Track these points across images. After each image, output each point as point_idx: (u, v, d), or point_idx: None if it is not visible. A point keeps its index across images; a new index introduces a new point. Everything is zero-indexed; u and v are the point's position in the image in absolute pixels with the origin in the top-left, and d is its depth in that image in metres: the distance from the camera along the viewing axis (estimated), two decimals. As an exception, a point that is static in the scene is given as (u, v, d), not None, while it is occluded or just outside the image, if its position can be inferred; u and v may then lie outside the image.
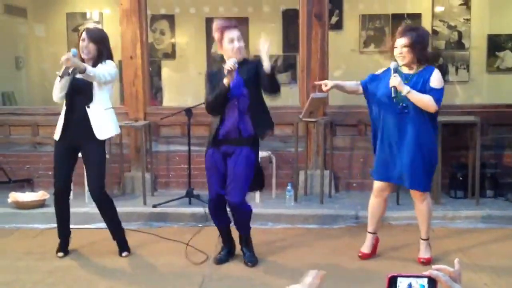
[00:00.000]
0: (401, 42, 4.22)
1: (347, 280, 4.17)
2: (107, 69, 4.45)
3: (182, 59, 8.98)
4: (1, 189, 6.30)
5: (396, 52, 4.26)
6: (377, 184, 4.52)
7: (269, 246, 4.71)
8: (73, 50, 4.32)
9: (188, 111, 5.99)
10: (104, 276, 4.30)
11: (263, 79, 4.17)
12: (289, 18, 8.55)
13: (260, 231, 4.78)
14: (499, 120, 6.43)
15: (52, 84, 4.53)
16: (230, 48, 4.25)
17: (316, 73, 6.45)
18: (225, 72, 4.11)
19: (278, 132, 6.60)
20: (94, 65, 4.43)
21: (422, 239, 4.50)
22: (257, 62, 4.25)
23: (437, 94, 4.17)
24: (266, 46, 4.14)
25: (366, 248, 4.62)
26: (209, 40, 8.67)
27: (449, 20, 8.53)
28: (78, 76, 4.34)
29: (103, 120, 4.51)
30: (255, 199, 6.00)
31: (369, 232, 4.64)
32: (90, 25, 8.35)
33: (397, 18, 8.52)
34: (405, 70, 4.30)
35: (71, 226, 4.83)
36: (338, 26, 8.53)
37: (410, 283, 1.45)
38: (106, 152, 4.78)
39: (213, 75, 4.36)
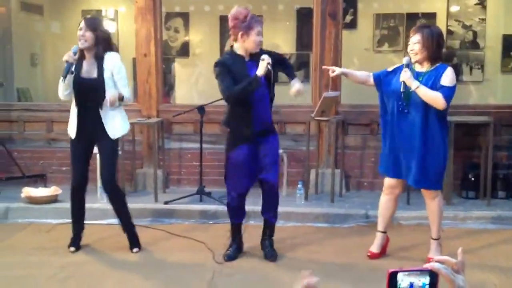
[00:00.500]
0: (413, 39, 4.22)
1: (356, 279, 4.18)
2: (123, 78, 4.56)
3: (195, 57, 9.03)
4: (15, 184, 6.38)
5: (408, 48, 4.27)
6: (387, 182, 4.52)
7: (279, 243, 4.72)
8: (75, 47, 4.39)
9: (201, 109, 6.02)
10: (115, 271, 4.35)
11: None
12: (303, 16, 8.56)
13: (270, 229, 4.80)
14: (512, 120, 6.40)
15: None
16: (257, 41, 4.30)
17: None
18: (265, 66, 4.19)
19: (289, 130, 6.63)
20: (96, 55, 4.46)
21: (433, 239, 4.49)
22: (271, 51, 4.48)
23: (447, 92, 4.13)
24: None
25: (375, 248, 4.62)
26: (223, 38, 8.71)
27: (464, 19, 8.47)
28: (84, 76, 4.45)
29: (115, 119, 4.58)
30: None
31: (379, 231, 4.64)
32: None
33: (412, 17, 8.49)
34: (418, 68, 4.29)
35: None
36: (352, 25, 8.52)
37: (412, 282, 1.42)
38: (119, 148, 4.88)
39: (228, 65, 4.32)
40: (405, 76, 4.12)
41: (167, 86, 8.60)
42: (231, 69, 4.29)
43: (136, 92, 6.78)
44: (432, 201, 4.40)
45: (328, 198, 6.05)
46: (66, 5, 9.09)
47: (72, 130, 4.59)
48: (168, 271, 4.36)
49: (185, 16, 8.91)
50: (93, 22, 4.54)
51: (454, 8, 8.47)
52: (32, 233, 5.36)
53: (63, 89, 4.48)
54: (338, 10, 6.46)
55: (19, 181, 6.42)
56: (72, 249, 4.74)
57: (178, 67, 9.12)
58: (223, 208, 5.11)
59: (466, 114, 6.21)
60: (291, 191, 6.22)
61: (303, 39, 8.66)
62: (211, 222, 5.55)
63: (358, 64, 8.57)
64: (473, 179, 6.16)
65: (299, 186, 6.02)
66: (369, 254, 4.60)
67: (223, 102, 4.60)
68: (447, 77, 4.18)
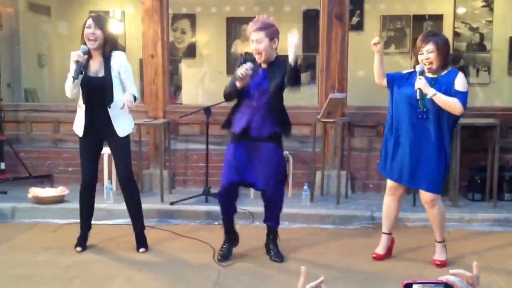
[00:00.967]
0: (427, 48, 4.19)
1: (361, 281, 4.18)
2: (130, 77, 4.60)
3: (202, 58, 9.05)
4: (22, 184, 6.41)
5: (422, 57, 4.21)
6: (390, 183, 4.52)
7: (284, 245, 4.73)
8: (84, 47, 4.39)
9: (207, 110, 6.03)
10: (121, 271, 4.36)
11: (288, 71, 4.26)
12: (310, 18, 8.57)
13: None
14: (519, 123, 6.38)
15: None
16: (252, 48, 4.35)
17: (335, 74, 6.46)
18: (237, 76, 4.17)
19: (295, 132, 6.58)
20: (104, 54, 4.48)
21: (437, 242, 4.48)
22: (284, 63, 4.36)
23: (463, 97, 4.14)
24: (295, 40, 4.22)
25: (380, 249, 4.62)
26: (230, 39, 8.73)
27: (471, 21, 8.47)
28: (91, 75, 4.48)
29: (123, 118, 4.61)
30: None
31: (384, 233, 4.64)
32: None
33: (418, 19, 8.50)
34: (429, 74, 4.27)
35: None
36: (358, 26, 8.53)
37: None
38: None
39: (246, 62, 4.34)
40: (421, 83, 4.09)
41: (174, 87, 8.63)
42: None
43: (143, 93, 6.80)
44: (432, 208, 4.38)
45: (334, 199, 6.05)
46: (73, 6, 9.13)
47: (79, 128, 4.61)
48: (173, 271, 4.37)
49: (191, 18, 8.94)
50: (102, 20, 4.55)
51: (461, 10, 8.47)
52: (38, 233, 5.39)
53: (72, 88, 4.47)
54: (345, 11, 6.46)
55: (26, 181, 6.45)
56: (79, 249, 4.76)
57: (185, 68, 9.14)
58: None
59: (472, 116, 6.19)
60: (296, 193, 6.23)
61: (310, 41, 8.66)
62: (216, 223, 5.55)
63: (365, 66, 8.56)
64: (479, 181, 6.16)
65: (305, 187, 6.02)
66: (374, 255, 4.60)
67: (229, 104, 4.64)
68: (461, 83, 4.18)
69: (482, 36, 8.45)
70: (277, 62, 4.42)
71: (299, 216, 5.69)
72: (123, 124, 4.61)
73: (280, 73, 4.34)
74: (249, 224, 5.52)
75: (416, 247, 4.91)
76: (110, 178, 6.16)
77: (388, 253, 4.65)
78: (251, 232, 5.02)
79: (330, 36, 6.46)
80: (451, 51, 4.43)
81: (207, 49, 9.04)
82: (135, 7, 8.44)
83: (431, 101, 4.14)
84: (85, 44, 4.45)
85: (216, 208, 5.65)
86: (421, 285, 1.42)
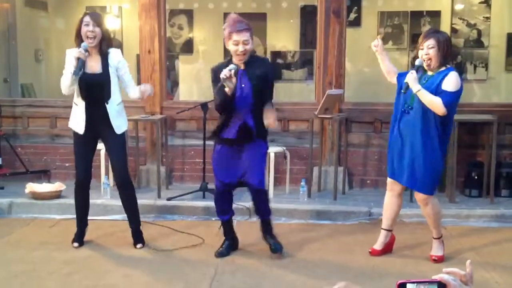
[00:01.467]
0: (428, 43, 4.16)
1: (358, 276, 4.17)
2: (128, 73, 4.66)
3: (199, 54, 9.03)
4: (19, 179, 6.40)
5: (422, 53, 4.20)
6: (388, 179, 4.54)
7: (282, 241, 4.71)
8: (84, 44, 4.37)
9: (204, 106, 6.03)
10: (118, 267, 4.35)
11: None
12: (307, 14, 8.56)
13: (274, 226, 4.78)
14: (516, 119, 6.39)
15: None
16: (233, 50, 4.28)
17: (332, 70, 6.45)
18: (222, 80, 4.09)
19: (293, 128, 6.63)
20: (101, 50, 4.48)
21: (434, 238, 4.49)
22: (268, 64, 4.45)
23: (447, 97, 4.07)
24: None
25: (377, 245, 4.61)
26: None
27: (468, 18, 8.46)
28: (89, 71, 4.46)
29: (119, 115, 4.62)
30: (269, 194, 6.03)
31: (382, 229, 4.63)
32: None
33: (416, 15, 8.49)
34: (429, 72, 4.25)
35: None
36: (356, 22, 8.52)
37: None
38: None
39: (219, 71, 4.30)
40: (410, 78, 4.11)
41: (171, 83, 8.61)
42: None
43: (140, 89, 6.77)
44: (425, 207, 4.38)
45: (331, 195, 6.05)
46: (70, 1, 9.11)
47: (78, 125, 4.58)
48: (171, 267, 4.37)
49: (189, 13, 8.91)
50: (99, 17, 4.56)
51: (458, 6, 8.46)
52: (35, 229, 5.38)
53: (69, 85, 4.47)
54: (342, 7, 6.45)
55: (23, 177, 6.45)
56: (76, 244, 4.76)
57: (182, 64, 9.13)
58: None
59: (470, 113, 6.20)
60: (294, 188, 6.23)
61: (307, 37, 8.67)
62: (213, 219, 5.55)
63: (362, 62, 8.58)
64: (476, 177, 6.17)
65: (302, 183, 6.03)
66: (369, 250, 4.59)
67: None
68: (449, 82, 4.11)
69: (479, 33, 8.45)
70: (253, 59, 4.39)
71: (296, 212, 5.69)
72: (119, 121, 4.61)
73: (263, 75, 4.31)
74: (246, 220, 5.52)
75: (413, 243, 4.91)
76: (107, 174, 6.15)
77: (387, 250, 4.63)
78: (248, 227, 5.02)
79: (327, 32, 6.45)
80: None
81: (205, 45, 9.02)
82: (132, 2, 8.41)
83: (417, 98, 4.14)
84: (81, 41, 4.43)
85: (213, 204, 5.64)
86: (415, 284, 1.43)
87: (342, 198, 6.13)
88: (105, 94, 4.51)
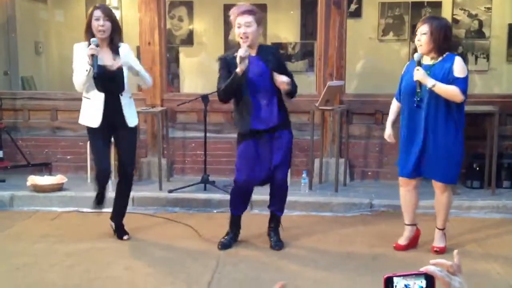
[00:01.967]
0: (421, 29, 4.16)
1: (359, 268, 4.18)
2: (138, 63, 4.70)
3: (199, 45, 9.00)
4: (20, 172, 6.41)
5: (415, 39, 4.22)
6: (402, 179, 4.47)
7: (283, 232, 4.73)
8: (94, 39, 4.32)
9: (205, 98, 6.02)
10: (120, 259, 4.36)
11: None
12: (308, 5, 8.53)
13: (275, 217, 4.82)
14: (517, 110, 6.37)
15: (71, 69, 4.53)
16: (237, 34, 4.29)
17: (333, 61, 6.44)
18: (237, 60, 4.12)
19: (294, 119, 6.55)
20: (112, 44, 4.47)
21: (438, 229, 4.48)
22: (275, 49, 4.38)
23: (462, 84, 4.07)
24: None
25: (402, 240, 4.55)
26: (227, 26, 8.68)
27: (469, 8, 8.43)
28: (103, 64, 4.38)
29: (131, 107, 4.64)
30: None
31: (406, 224, 4.58)
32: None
33: (417, 6, 8.46)
34: (426, 61, 4.22)
35: (88, 210, 4.91)
36: (357, 14, 8.49)
37: (408, 285, 1.42)
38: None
39: (231, 62, 4.30)
40: (419, 75, 4.05)
41: (171, 74, 8.59)
42: (231, 66, 4.28)
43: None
44: (442, 194, 4.37)
45: (332, 187, 6.06)
46: (69, -7, 9.08)
47: (94, 119, 4.50)
48: (172, 259, 4.38)
49: (189, 5, 8.89)
50: (109, 11, 4.52)
51: (459, -3, 8.43)
52: (37, 221, 5.39)
53: (85, 81, 4.36)
54: (343, -2, 6.43)
55: (24, 170, 6.45)
56: (126, 237, 4.79)
57: (182, 56, 9.11)
58: (227, 197, 5.11)
59: (471, 104, 6.14)
60: (295, 180, 6.23)
61: (308, 28, 8.65)
62: (215, 211, 5.56)
63: (363, 53, 8.56)
64: (477, 168, 6.16)
65: (304, 175, 6.03)
66: (394, 245, 4.54)
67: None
68: (459, 68, 4.10)
69: (481, 23, 8.42)
70: (264, 48, 4.41)
71: (297, 203, 5.69)
72: (131, 113, 4.63)
73: (274, 59, 4.35)
74: (248, 212, 5.52)
75: (414, 234, 4.91)
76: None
77: (412, 244, 4.56)
78: (250, 220, 5.02)
79: (328, 23, 6.43)
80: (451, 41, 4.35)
81: (205, 37, 9.00)
82: (132, -6, 8.38)
83: (427, 91, 4.11)
84: (92, 35, 4.39)
85: (214, 196, 5.69)
86: (401, 277, 1.42)
87: (343, 189, 6.13)
88: (119, 86, 4.50)
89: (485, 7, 8.36)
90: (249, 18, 4.25)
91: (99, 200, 4.78)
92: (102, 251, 4.54)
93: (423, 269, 1.44)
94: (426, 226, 4.80)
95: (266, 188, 4.62)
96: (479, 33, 8.46)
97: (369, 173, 6.58)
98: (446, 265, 1.46)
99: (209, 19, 8.94)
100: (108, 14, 4.43)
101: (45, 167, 6.66)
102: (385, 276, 1.43)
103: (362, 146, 6.58)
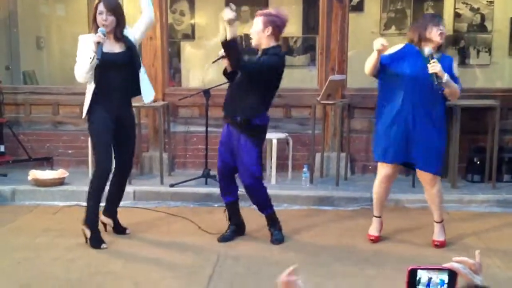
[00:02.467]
0: (442, 26, 4.24)
1: (361, 262, 4.19)
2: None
3: (201, 40, 9.00)
4: (22, 167, 6.42)
5: (439, 31, 4.19)
6: (385, 171, 4.46)
7: (284, 227, 4.73)
8: (102, 29, 4.27)
9: (206, 92, 6.02)
10: (121, 254, 4.37)
11: None
12: (310, -1, 8.51)
13: (276, 212, 4.81)
14: (519, 104, 6.36)
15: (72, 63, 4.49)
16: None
17: (335, 55, 6.43)
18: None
19: (295, 114, 6.62)
20: (116, 37, 4.43)
21: (436, 222, 4.49)
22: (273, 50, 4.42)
23: (459, 83, 4.26)
24: (229, 16, 4.06)
25: (375, 231, 4.61)
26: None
27: (472, 2, 8.41)
28: (107, 51, 4.32)
29: (147, 82, 4.63)
30: (271, 181, 6.05)
31: (376, 217, 4.64)
32: None
33: (419, 0, 8.43)
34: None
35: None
36: (359, 7, 8.47)
37: (431, 277, 1.45)
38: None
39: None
40: (437, 68, 4.03)
41: (173, 69, 8.59)
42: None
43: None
44: (432, 188, 4.39)
45: (333, 181, 6.06)
46: (71, -12, 9.08)
47: (99, 111, 4.43)
48: (173, 253, 4.39)
49: (190, -1, 8.88)
50: (113, 5, 4.42)
51: (462, -9, 8.40)
52: (39, 215, 5.40)
53: (88, 70, 4.29)
54: (345, -8, 6.42)
55: (25, 164, 6.47)
56: (105, 245, 4.53)
57: (184, 50, 9.10)
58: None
59: (472, 98, 6.18)
60: (296, 174, 6.24)
61: (310, 22, 8.62)
62: (216, 205, 5.57)
63: (365, 47, 8.52)
64: (478, 162, 6.16)
65: (305, 169, 6.03)
66: (372, 238, 4.58)
67: (228, 86, 4.65)
68: (457, 69, 4.31)
69: (483, 17, 8.40)
70: (270, 52, 4.40)
71: (299, 198, 5.70)
72: (148, 87, 4.60)
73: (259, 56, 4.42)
74: (248, 206, 5.53)
75: (415, 228, 4.92)
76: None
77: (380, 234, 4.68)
78: (251, 214, 5.02)
79: (330, 17, 6.42)
80: (450, 33, 4.43)
81: (206, 31, 8.98)
82: (134, -12, 8.37)
83: (426, 82, 4.15)
84: (97, 27, 4.33)
85: (215, 190, 5.66)
86: (425, 270, 1.45)
87: (344, 184, 6.13)
88: (129, 74, 4.45)
89: (487, 1, 8.34)
90: (256, 19, 4.41)
91: (98, 239, 4.51)
92: (103, 245, 4.55)
93: (447, 265, 1.47)
94: (425, 220, 4.81)
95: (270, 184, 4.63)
96: (481, 27, 8.44)
97: (370, 167, 6.57)
98: (468, 263, 1.50)
99: (211, 14, 8.92)
100: (111, 9, 4.36)
101: (46, 162, 6.67)
102: (409, 268, 1.46)
103: (364, 140, 6.58)
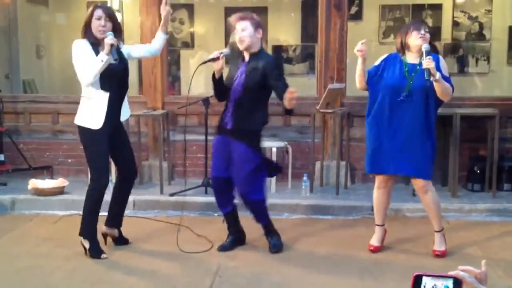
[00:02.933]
0: (424, 27, 4.27)
1: (361, 271, 4.18)
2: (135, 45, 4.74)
3: (200, 48, 9.01)
4: (22, 176, 6.42)
5: (420, 34, 4.20)
6: (381, 177, 4.48)
7: (284, 236, 4.73)
8: (110, 33, 4.21)
9: (206, 101, 6.03)
10: (120, 263, 4.36)
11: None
12: (308, 7, 8.53)
13: (276, 221, 4.80)
14: (518, 113, 6.37)
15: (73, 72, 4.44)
16: (236, 38, 4.41)
17: (334, 64, 6.45)
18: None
19: (295, 122, 6.63)
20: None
21: (436, 231, 4.49)
22: (272, 58, 4.46)
23: (450, 82, 4.21)
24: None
25: (376, 241, 4.61)
26: (228, 29, 8.68)
27: (470, 11, 8.44)
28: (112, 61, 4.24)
29: (126, 103, 4.59)
30: (271, 189, 6.05)
31: (378, 225, 4.64)
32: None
33: (418, 8, 8.48)
34: (411, 59, 4.27)
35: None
36: (357, 16, 8.51)
37: (435, 284, 1.45)
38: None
39: (228, 59, 4.44)
40: (431, 64, 4.03)
41: (172, 77, 8.61)
42: (229, 63, 4.41)
43: (142, 84, 6.79)
44: (425, 195, 4.37)
45: (333, 190, 6.06)
46: (71, -3, 9.10)
47: (97, 120, 4.31)
48: (173, 263, 4.38)
49: (190, 8, 8.90)
50: (111, 11, 4.42)
51: (460, -1, 8.44)
52: (38, 225, 5.40)
53: (97, 72, 4.19)
54: (344, 1, 6.44)
55: (25, 173, 6.46)
56: (105, 255, 4.48)
57: (183, 58, 9.12)
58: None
59: (471, 106, 6.19)
60: (296, 183, 6.23)
61: (308, 31, 8.65)
62: (216, 215, 5.56)
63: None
64: (478, 171, 6.16)
65: (304, 178, 6.03)
66: (371, 248, 4.58)
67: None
68: (445, 67, 4.27)
69: (481, 26, 8.43)
70: (261, 55, 4.42)
71: (298, 206, 5.70)
72: (125, 108, 4.58)
73: (261, 70, 4.34)
74: (248, 215, 5.52)
75: (415, 237, 4.92)
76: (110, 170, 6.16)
77: (382, 244, 4.65)
78: (250, 223, 5.02)
79: (328, 26, 6.44)
80: (449, 41, 4.41)
81: (206, 40, 9.01)
82: (133, -3, 8.41)
83: (418, 84, 4.15)
84: (90, 33, 4.28)
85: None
86: (430, 277, 1.45)
87: (344, 193, 6.13)
88: (125, 83, 4.47)
89: (485, 10, 8.37)
90: (243, 24, 4.35)
91: (97, 250, 4.48)
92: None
93: (453, 273, 1.47)
94: (426, 229, 4.80)
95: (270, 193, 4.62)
96: (480, 36, 8.47)
97: (370, 176, 6.55)
98: (474, 272, 1.50)
99: (210, 22, 8.96)
100: (110, 15, 4.33)
101: (46, 171, 6.66)
102: (414, 274, 1.46)
103: (363, 149, 6.52)
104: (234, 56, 4.44)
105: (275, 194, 5.99)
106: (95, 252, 4.43)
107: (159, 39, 4.76)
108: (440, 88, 4.12)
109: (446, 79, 4.18)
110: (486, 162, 6.05)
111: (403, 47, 4.30)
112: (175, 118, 6.70)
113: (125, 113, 4.59)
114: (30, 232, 5.18)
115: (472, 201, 5.75)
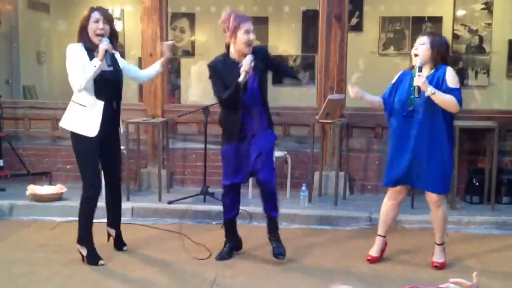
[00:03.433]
0: (420, 40, 4.21)
1: (359, 282, 4.16)
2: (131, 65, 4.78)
3: (201, 57, 9.02)
4: (20, 181, 6.41)
5: (413, 49, 4.23)
6: (394, 189, 4.48)
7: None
8: (106, 39, 4.21)
9: (206, 109, 6.04)
10: (117, 270, 4.34)
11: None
12: (309, 18, 8.56)
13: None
14: (517, 126, 6.39)
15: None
16: (245, 40, 4.29)
17: (334, 75, 6.47)
18: (245, 70, 4.15)
19: (294, 132, 6.64)
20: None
21: (437, 244, 4.48)
22: (264, 51, 4.51)
23: (458, 94, 4.11)
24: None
25: (375, 252, 4.60)
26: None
27: (470, 24, 8.46)
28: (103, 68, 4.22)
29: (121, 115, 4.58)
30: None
31: (380, 235, 4.63)
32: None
33: (418, 21, 8.48)
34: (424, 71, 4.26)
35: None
36: (358, 27, 8.51)
37: None
38: (124, 147, 4.86)
39: (219, 69, 4.36)
40: (421, 81, 4.03)
41: (172, 85, 8.61)
42: (222, 74, 4.33)
43: (141, 92, 6.80)
44: (437, 209, 4.36)
45: (332, 200, 6.06)
46: (72, 4, 9.09)
47: (91, 128, 4.28)
48: (171, 271, 4.36)
49: (191, 17, 8.92)
50: (109, 14, 4.40)
51: (460, 12, 8.46)
52: (36, 231, 5.38)
53: (90, 78, 4.16)
54: (344, 12, 6.47)
55: (24, 179, 6.46)
56: (102, 262, 4.47)
57: (184, 67, 9.13)
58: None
59: (471, 119, 6.20)
60: (295, 193, 6.23)
61: (309, 41, 8.67)
62: (214, 223, 5.56)
63: (364, 67, 8.58)
64: (477, 184, 6.16)
65: (303, 188, 6.03)
66: (369, 258, 4.57)
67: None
68: (453, 79, 4.15)
69: (481, 39, 8.45)
70: (256, 51, 4.39)
71: (297, 216, 5.69)
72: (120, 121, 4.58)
73: (263, 62, 4.38)
74: (247, 224, 5.52)
75: (414, 249, 4.91)
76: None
77: (382, 256, 4.63)
78: (250, 232, 5.02)
79: (329, 37, 6.46)
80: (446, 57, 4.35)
81: (206, 48, 9.02)
82: (134, 5, 8.43)
83: (424, 99, 4.12)
84: (87, 37, 4.26)
85: (214, 207, 5.67)
86: None
87: (343, 203, 6.13)
88: (118, 92, 4.45)
89: (485, 23, 8.39)
90: (252, 26, 4.35)
91: (95, 256, 4.47)
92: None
93: (443, 286, 1.46)
94: (424, 241, 4.80)
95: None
96: (480, 49, 8.48)
97: (369, 187, 6.58)
98: (465, 285, 1.49)
99: (211, 31, 8.97)
100: (108, 18, 4.32)
101: (45, 177, 6.66)
102: None
103: (362, 160, 6.59)
104: (227, 62, 4.39)
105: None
106: (92, 259, 4.42)
107: (155, 69, 4.82)
108: (438, 102, 4.09)
109: (453, 90, 4.11)
110: (485, 175, 6.06)
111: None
112: (174, 126, 6.70)
113: (120, 124, 4.60)
114: (28, 238, 5.16)
115: (470, 214, 5.75)
